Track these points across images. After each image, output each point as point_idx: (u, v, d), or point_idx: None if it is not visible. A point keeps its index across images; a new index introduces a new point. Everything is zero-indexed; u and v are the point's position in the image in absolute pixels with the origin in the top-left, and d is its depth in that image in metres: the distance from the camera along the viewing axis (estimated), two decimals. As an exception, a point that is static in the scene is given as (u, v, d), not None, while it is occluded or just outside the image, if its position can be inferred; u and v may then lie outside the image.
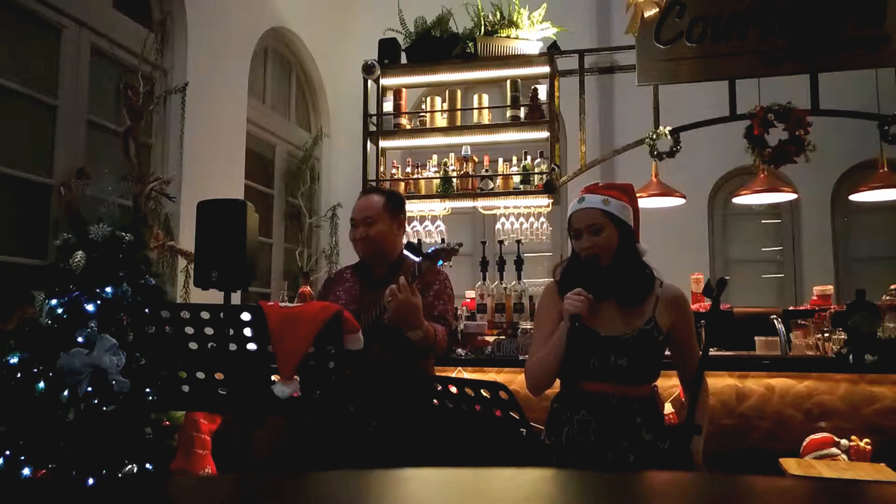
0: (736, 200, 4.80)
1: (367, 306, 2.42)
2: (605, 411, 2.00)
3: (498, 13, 4.58)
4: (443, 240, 4.43)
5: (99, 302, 2.79)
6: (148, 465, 2.75)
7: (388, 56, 4.71)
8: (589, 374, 2.03)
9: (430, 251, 2.31)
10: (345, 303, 2.42)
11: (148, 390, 2.69)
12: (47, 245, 3.63)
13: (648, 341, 2.01)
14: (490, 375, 3.41)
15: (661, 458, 2.00)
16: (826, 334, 3.42)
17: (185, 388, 2.04)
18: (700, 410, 2.00)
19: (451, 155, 4.62)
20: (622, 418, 1.99)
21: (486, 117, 4.64)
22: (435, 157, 4.72)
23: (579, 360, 2.03)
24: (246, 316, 1.96)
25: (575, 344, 2.00)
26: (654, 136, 4.32)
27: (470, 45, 4.57)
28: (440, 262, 2.30)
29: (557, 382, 2.12)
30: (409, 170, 4.67)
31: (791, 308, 4.40)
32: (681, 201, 4.64)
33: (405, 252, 2.36)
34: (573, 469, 1.96)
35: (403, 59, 4.76)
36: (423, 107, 4.81)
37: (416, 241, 4.44)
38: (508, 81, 4.55)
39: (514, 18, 4.54)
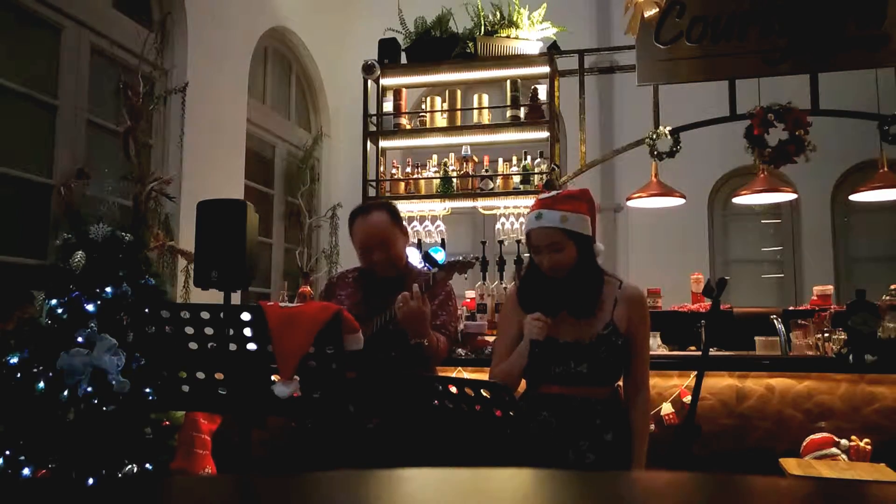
0: (736, 200, 4.80)
1: (371, 311, 2.42)
2: (566, 413, 2.03)
3: (498, 13, 4.58)
4: (442, 240, 4.43)
5: (99, 302, 2.79)
6: (148, 465, 2.75)
7: (388, 56, 4.71)
8: (550, 379, 2.07)
9: (446, 262, 2.32)
10: (347, 307, 2.42)
11: (148, 390, 2.69)
12: (47, 245, 3.63)
13: (607, 346, 2.03)
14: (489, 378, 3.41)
15: (623, 458, 2.02)
16: (826, 334, 3.42)
17: (185, 388, 2.04)
18: (640, 420, 2.06)
19: (451, 155, 4.62)
20: (583, 419, 2.02)
21: (486, 117, 4.64)
22: (435, 157, 4.72)
23: (541, 367, 2.08)
24: (246, 316, 1.96)
25: (535, 351, 2.06)
26: (654, 136, 4.32)
27: (470, 45, 4.57)
28: (456, 274, 2.33)
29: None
30: (409, 170, 4.67)
31: (791, 308, 4.40)
32: (681, 201, 4.64)
33: (423, 262, 2.38)
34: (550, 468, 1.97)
35: (403, 59, 4.76)
36: (423, 107, 4.81)
37: (415, 241, 4.44)
38: (508, 81, 4.56)
39: (514, 18, 4.54)
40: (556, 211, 2.05)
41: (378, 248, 2.46)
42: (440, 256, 2.35)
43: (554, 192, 2.20)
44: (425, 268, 2.40)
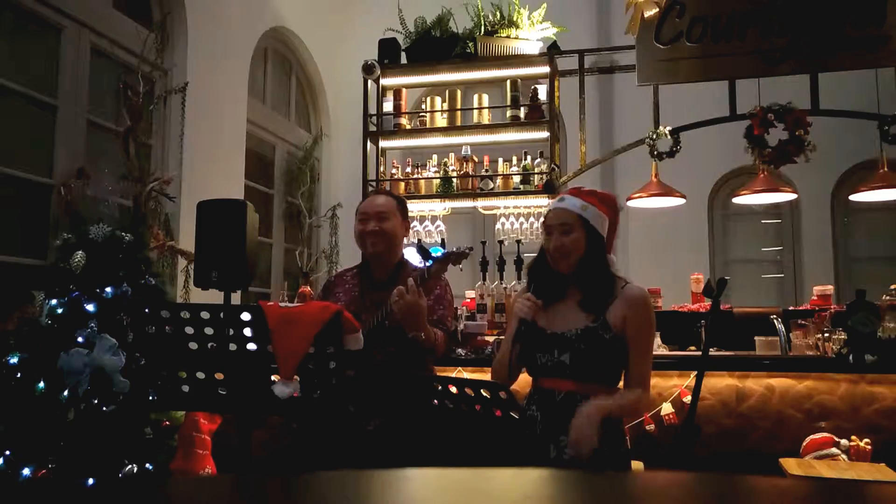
0: (736, 200, 4.80)
1: (368, 308, 2.42)
2: (551, 407, 2.04)
3: (498, 13, 4.58)
4: (442, 240, 4.43)
5: (99, 302, 2.79)
6: (148, 465, 2.76)
7: (388, 56, 4.71)
8: (540, 371, 2.09)
9: (440, 254, 2.32)
10: (344, 304, 2.42)
11: (148, 390, 2.69)
12: (47, 245, 3.63)
13: (592, 339, 2.01)
14: (490, 375, 3.41)
15: (604, 460, 1.96)
16: (826, 334, 3.42)
17: (185, 388, 2.04)
18: (621, 404, 2.01)
19: (451, 155, 4.61)
20: (566, 415, 1.99)
21: (486, 117, 4.64)
22: (435, 157, 4.71)
23: (529, 357, 2.10)
24: (246, 316, 1.96)
25: (525, 341, 2.07)
26: (654, 136, 4.32)
27: (470, 45, 4.57)
28: (450, 266, 2.33)
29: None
30: (409, 170, 4.67)
31: (791, 308, 4.41)
32: (681, 201, 4.64)
33: (416, 254, 2.38)
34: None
35: (403, 59, 4.76)
36: (423, 107, 4.80)
37: (416, 241, 4.44)
38: (508, 81, 4.55)
39: (514, 18, 4.54)
40: (579, 199, 2.10)
41: (375, 218, 2.52)
42: (439, 256, 2.35)
43: (582, 186, 2.23)
44: (421, 264, 2.40)
